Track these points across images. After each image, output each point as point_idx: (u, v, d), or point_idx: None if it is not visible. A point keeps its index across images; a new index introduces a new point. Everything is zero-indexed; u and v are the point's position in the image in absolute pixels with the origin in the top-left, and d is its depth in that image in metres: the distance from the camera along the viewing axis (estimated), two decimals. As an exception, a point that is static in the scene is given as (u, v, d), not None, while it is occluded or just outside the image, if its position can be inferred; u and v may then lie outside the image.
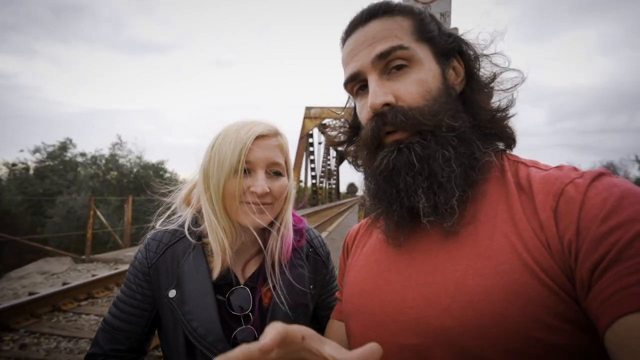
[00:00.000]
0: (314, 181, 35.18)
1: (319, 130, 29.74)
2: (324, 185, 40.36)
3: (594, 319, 0.51)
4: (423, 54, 0.70)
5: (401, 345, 0.64)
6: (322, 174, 38.77)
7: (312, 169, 34.43)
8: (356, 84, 0.74)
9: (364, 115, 0.73)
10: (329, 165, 40.52)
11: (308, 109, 24.83)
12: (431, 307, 0.61)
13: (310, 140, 30.39)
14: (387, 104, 0.68)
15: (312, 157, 33.70)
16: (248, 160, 0.91)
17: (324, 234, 13.77)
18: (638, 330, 0.45)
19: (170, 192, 1.08)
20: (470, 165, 0.66)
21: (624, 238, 0.50)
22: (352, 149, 0.83)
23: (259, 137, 0.93)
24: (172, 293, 0.92)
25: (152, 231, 1.01)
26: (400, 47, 0.68)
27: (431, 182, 0.66)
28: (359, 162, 0.80)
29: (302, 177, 27.69)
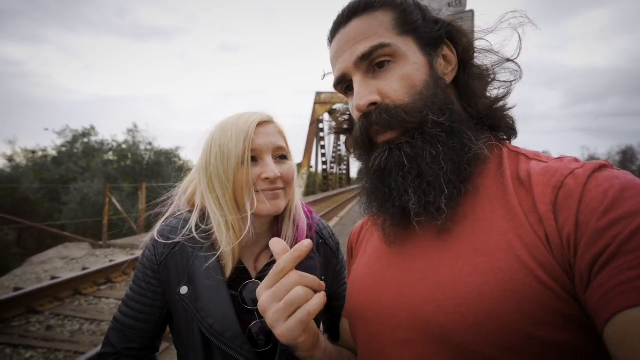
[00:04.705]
0: (324, 167, 35.14)
1: (330, 115, 29.56)
2: (334, 170, 40.31)
3: (593, 313, 0.50)
4: (407, 47, 0.68)
5: (398, 340, 0.65)
6: (333, 160, 38.68)
7: (323, 155, 34.35)
8: (344, 84, 0.74)
9: (354, 115, 0.73)
10: (339, 150, 40.32)
11: (318, 94, 24.67)
12: (427, 303, 0.61)
13: (321, 125, 30.22)
14: (373, 104, 0.68)
15: (322, 143, 33.57)
16: (253, 147, 0.90)
17: (335, 220, 13.82)
18: (639, 325, 0.45)
19: (169, 197, 1.07)
20: (460, 159, 0.65)
21: (625, 231, 0.49)
22: (351, 140, 0.82)
23: (259, 124, 0.93)
24: (184, 290, 0.91)
25: (159, 227, 1.00)
26: (382, 45, 0.67)
27: (420, 182, 0.65)
28: (357, 157, 0.80)
29: (313, 163, 27.67)
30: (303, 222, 1.01)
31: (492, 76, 0.73)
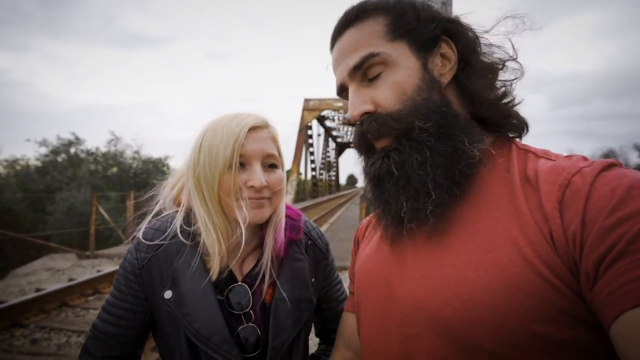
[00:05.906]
0: (313, 173, 35.18)
1: (318, 121, 29.69)
2: (323, 177, 40.36)
3: (599, 312, 0.50)
4: (398, 52, 0.69)
5: (405, 335, 0.66)
6: (322, 166, 38.74)
7: (312, 161, 34.40)
8: (345, 92, 0.76)
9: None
10: (328, 157, 40.47)
11: (307, 100, 24.66)
12: (432, 299, 0.62)
13: (310, 132, 30.28)
14: (366, 112, 0.70)
15: (311, 150, 33.62)
16: (242, 153, 0.87)
17: (325, 226, 13.83)
18: None
19: (155, 195, 1.03)
20: (453, 163, 0.65)
21: (633, 230, 0.48)
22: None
23: (251, 129, 0.90)
24: (168, 294, 0.88)
25: (143, 229, 0.95)
26: (371, 55, 0.68)
27: (409, 188, 0.66)
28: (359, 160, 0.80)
29: (302, 170, 27.67)
30: (281, 230, 0.99)
31: (494, 73, 0.72)
